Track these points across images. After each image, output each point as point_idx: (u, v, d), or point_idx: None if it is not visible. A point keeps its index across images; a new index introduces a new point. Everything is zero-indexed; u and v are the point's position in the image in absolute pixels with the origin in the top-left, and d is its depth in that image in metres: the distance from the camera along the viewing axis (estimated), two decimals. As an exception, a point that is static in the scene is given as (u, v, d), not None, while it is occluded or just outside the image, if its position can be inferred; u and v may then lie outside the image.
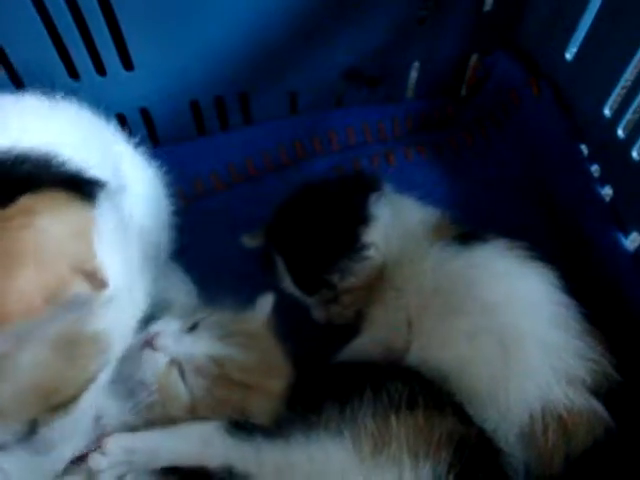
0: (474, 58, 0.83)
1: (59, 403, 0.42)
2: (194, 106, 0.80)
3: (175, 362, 0.52)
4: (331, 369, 0.60)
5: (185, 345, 0.52)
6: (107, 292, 0.42)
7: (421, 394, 0.51)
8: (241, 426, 0.50)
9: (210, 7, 0.70)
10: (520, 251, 0.58)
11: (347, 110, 0.83)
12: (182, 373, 0.51)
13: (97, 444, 0.50)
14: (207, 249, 0.68)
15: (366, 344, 0.62)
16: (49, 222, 0.40)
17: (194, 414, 0.52)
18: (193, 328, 0.54)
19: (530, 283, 0.57)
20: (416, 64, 0.82)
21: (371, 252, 0.61)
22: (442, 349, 0.56)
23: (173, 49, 0.73)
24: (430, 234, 0.62)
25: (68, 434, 0.45)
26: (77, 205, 0.43)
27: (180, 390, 0.51)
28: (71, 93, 0.72)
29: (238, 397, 0.52)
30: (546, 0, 0.72)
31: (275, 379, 0.54)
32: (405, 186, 0.70)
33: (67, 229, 0.41)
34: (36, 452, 0.45)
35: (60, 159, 0.44)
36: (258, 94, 0.81)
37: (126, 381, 0.52)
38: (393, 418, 0.48)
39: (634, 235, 0.64)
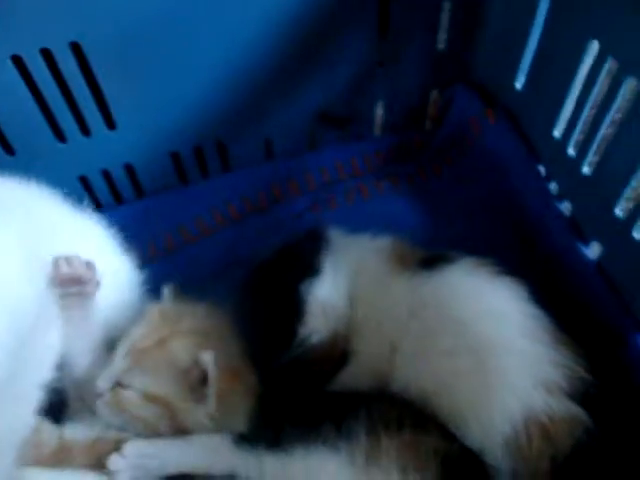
0: (434, 93, 0.87)
1: None
2: (175, 157, 0.84)
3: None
4: (330, 395, 0.62)
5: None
6: None
7: (408, 415, 0.54)
8: (246, 438, 0.53)
9: (184, 66, 0.74)
10: (488, 267, 0.60)
11: (320, 151, 0.87)
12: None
13: None
14: (195, 293, 0.68)
15: (354, 374, 0.62)
16: None
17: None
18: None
19: (499, 297, 0.58)
20: (381, 103, 0.86)
21: (313, 338, 0.61)
22: (422, 371, 0.57)
23: (152, 106, 0.76)
24: (394, 263, 0.63)
25: None
26: None
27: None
28: (58, 154, 0.77)
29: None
30: (493, 37, 0.77)
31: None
32: (379, 218, 0.73)
33: None
34: None
35: None
36: (235, 142, 0.84)
37: None
38: (383, 435, 0.51)
39: (594, 244, 0.67)
